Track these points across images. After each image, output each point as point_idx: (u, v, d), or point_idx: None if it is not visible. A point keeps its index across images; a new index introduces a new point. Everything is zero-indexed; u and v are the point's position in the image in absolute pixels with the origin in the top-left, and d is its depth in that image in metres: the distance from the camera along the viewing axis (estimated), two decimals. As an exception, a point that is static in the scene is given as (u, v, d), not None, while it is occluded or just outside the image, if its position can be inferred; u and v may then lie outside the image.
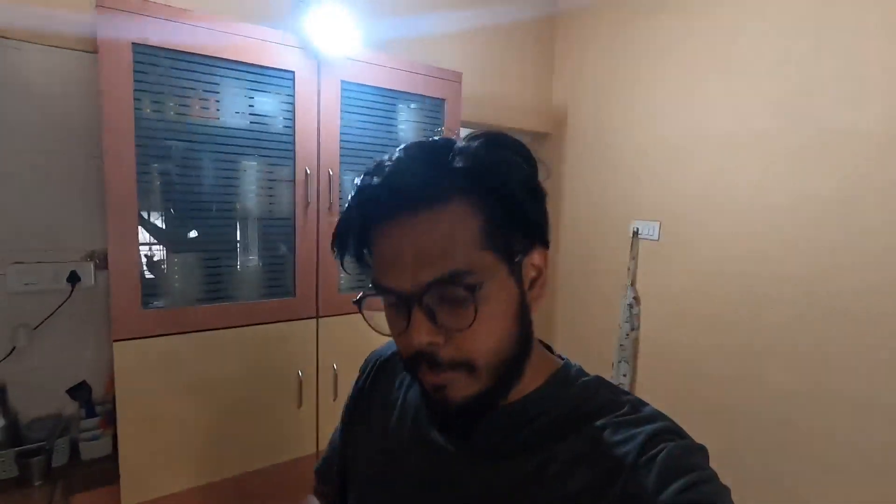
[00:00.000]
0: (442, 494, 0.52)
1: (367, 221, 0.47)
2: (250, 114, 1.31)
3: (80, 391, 1.36)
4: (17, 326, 1.31)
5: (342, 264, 0.50)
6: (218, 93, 1.26)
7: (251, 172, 1.34)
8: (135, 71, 1.12)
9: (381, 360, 0.70)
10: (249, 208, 1.36)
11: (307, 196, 1.36)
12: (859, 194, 1.33)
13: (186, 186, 1.27)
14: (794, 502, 1.47)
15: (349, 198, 0.48)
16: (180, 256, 1.29)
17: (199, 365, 1.24)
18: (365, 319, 0.49)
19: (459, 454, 0.52)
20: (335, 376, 1.43)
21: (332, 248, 0.49)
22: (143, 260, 1.21)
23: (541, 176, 0.49)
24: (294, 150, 1.34)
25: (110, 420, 1.37)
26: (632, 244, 1.93)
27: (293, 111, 1.33)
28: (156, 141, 1.20)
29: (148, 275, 1.25)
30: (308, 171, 1.36)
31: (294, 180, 1.35)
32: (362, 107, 1.48)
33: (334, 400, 1.44)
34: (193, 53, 1.19)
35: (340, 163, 1.42)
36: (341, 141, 1.41)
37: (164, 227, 1.29)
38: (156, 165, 1.22)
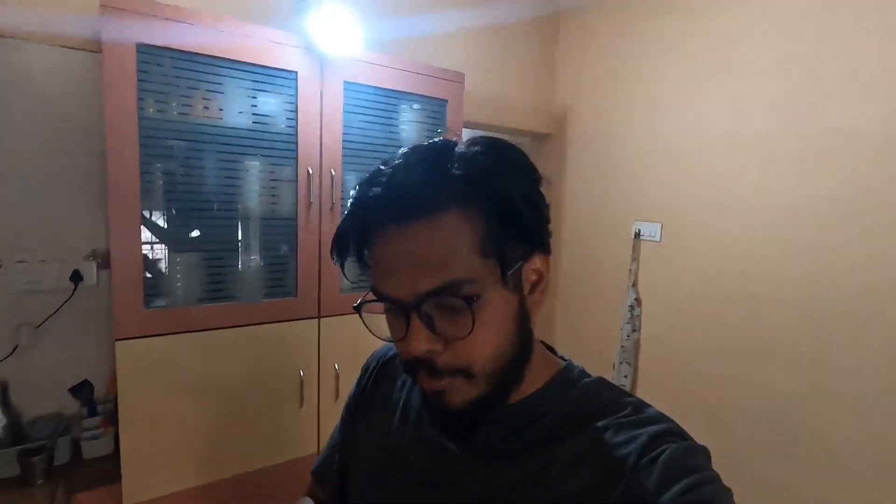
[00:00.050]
0: (443, 494, 0.53)
1: (366, 229, 0.47)
2: (253, 114, 1.32)
3: (81, 390, 1.36)
4: (20, 325, 1.31)
5: (343, 271, 0.50)
6: (221, 93, 1.27)
7: (253, 172, 1.34)
8: (138, 71, 1.12)
9: (384, 360, 0.70)
10: (251, 208, 1.37)
11: (309, 196, 1.36)
12: (860, 195, 1.34)
13: (189, 186, 1.28)
14: (796, 503, 1.48)
15: (348, 204, 0.48)
16: (182, 256, 1.29)
17: (200, 364, 1.24)
18: (365, 325, 0.49)
19: (461, 454, 0.52)
20: (336, 376, 1.43)
21: (332, 255, 0.49)
22: (146, 259, 1.21)
23: (540, 184, 0.49)
24: (296, 150, 1.34)
25: (112, 419, 1.37)
26: (633, 245, 1.93)
27: (296, 111, 1.33)
28: (158, 140, 1.21)
29: (150, 274, 1.25)
30: (310, 171, 1.36)
31: (296, 180, 1.35)
32: (365, 107, 1.48)
33: (336, 400, 1.44)
34: (197, 53, 1.19)
35: (343, 163, 1.42)
36: (344, 141, 1.42)
37: (166, 226, 1.29)
38: (158, 165, 1.22)
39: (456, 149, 0.46)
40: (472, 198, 0.44)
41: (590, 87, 2.15)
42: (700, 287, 1.73)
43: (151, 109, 1.18)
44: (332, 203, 1.40)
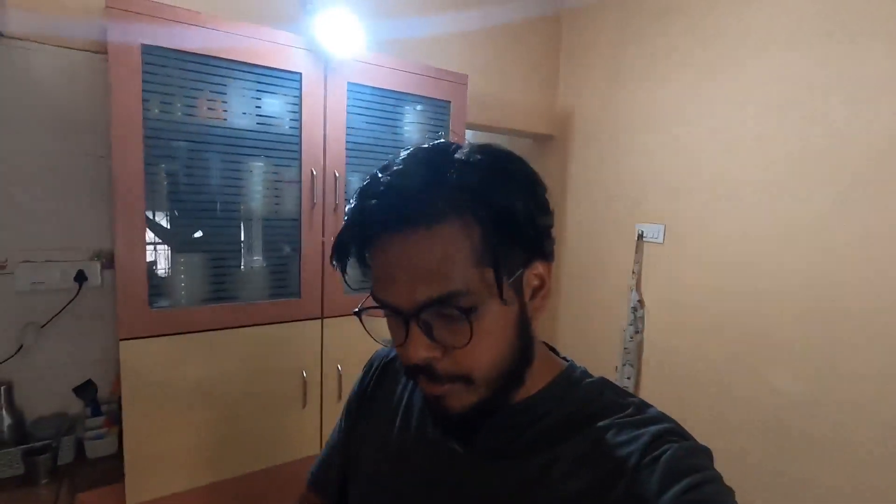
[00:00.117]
0: (446, 494, 0.53)
1: (365, 238, 0.47)
2: (257, 115, 1.32)
3: (85, 390, 1.37)
4: (25, 325, 1.32)
5: (343, 278, 0.50)
6: (225, 94, 1.27)
7: (257, 173, 1.35)
8: (143, 72, 1.12)
9: (386, 360, 0.70)
10: (255, 209, 1.37)
11: (313, 197, 1.36)
12: (865, 197, 1.33)
13: (193, 187, 1.28)
14: (800, 507, 1.47)
15: (346, 210, 0.48)
16: (186, 256, 1.30)
17: (204, 365, 1.25)
18: (366, 330, 0.50)
19: (464, 454, 0.53)
20: (339, 377, 1.44)
21: (332, 262, 0.49)
22: (150, 260, 1.22)
23: (543, 193, 0.49)
24: (300, 151, 1.35)
25: (115, 419, 1.37)
26: (636, 247, 1.93)
27: (300, 112, 1.34)
28: (163, 141, 1.21)
29: (154, 275, 1.26)
30: (314, 172, 1.36)
31: (300, 181, 1.36)
32: (368, 108, 1.48)
33: (339, 401, 1.44)
34: (201, 55, 1.19)
35: (346, 164, 1.42)
36: (347, 142, 1.42)
37: (170, 227, 1.30)
38: (163, 166, 1.23)
39: (456, 155, 0.46)
40: (471, 209, 0.43)
41: (592, 89, 2.15)
42: (703, 289, 1.72)
43: (156, 110, 1.19)
44: (336, 204, 1.40)
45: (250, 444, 1.33)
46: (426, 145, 0.48)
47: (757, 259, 1.57)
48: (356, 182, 1.47)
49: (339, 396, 1.44)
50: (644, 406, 0.50)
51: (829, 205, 1.40)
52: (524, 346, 0.49)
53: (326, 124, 1.37)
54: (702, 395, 1.72)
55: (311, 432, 1.42)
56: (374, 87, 1.46)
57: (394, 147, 1.55)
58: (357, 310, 0.49)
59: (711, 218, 1.69)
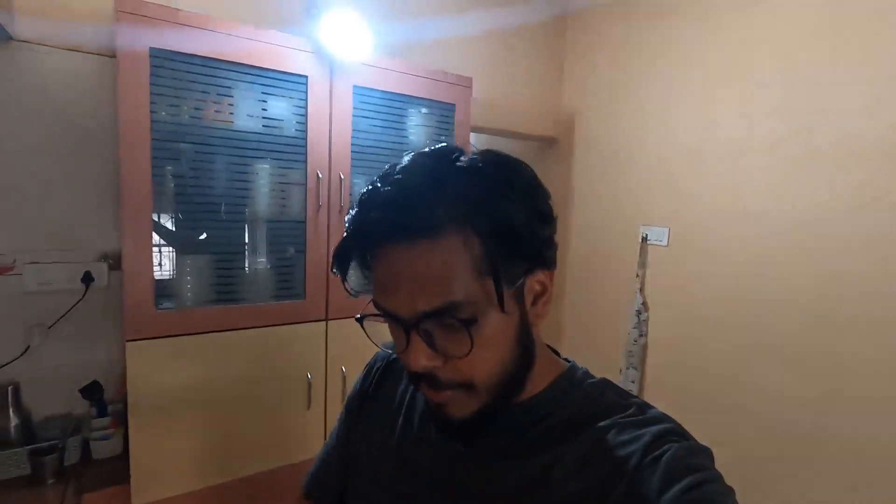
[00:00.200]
0: (448, 494, 0.53)
1: (366, 248, 0.47)
2: (263, 117, 1.33)
3: (92, 390, 1.37)
4: (32, 326, 1.33)
5: (345, 286, 0.50)
6: (232, 96, 1.28)
7: (263, 175, 1.35)
8: (151, 75, 1.13)
9: (388, 360, 0.70)
10: (261, 211, 1.38)
11: (318, 199, 1.37)
12: (870, 201, 1.33)
13: (200, 189, 1.29)
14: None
15: (346, 219, 0.48)
16: (193, 258, 1.30)
17: (209, 366, 1.25)
18: (368, 336, 0.50)
19: (466, 455, 0.53)
20: (344, 379, 1.44)
21: (332, 271, 0.49)
22: (157, 261, 1.23)
23: (546, 202, 0.49)
24: (306, 154, 1.35)
25: (121, 420, 1.38)
26: (640, 250, 1.93)
27: (305, 115, 1.34)
28: (171, 144, 1.22)
29: (161, 276, 1.26)
30: (320, 175, 1.37)
31: (305, 183, 1.36)
32: (373, 111, 1.49)
33: (343, 402, 1.44)
34: (209, 58, 1.20)
35: (351, 166, 1.43)
36: (353, 145, 1.43)
37: (177, 229, 1.30)
38: (170, 168, 1.24)
39: (457, 163, 0.46)
40: (472, 221, 0.43)
41: (597, 92, 2.15)
42: (707, 292, 1.72)
43: (164, 113, 1.19)
44: (341, 206, 1.41)
45: (255, 446, 1.34)
46: (428, 150, 0.48)
47: (762, 262, 1.56)
48: (361, 184, 1.47)
49: (344, 398, 1.44)
50: (645, 406, 0.51)
51: (835, 208, 1.40)
52: (525, 352, 0.49)
53: (332, 127, 1.38)
54: (706, 399, 1.72)
55: (315, 434, 1.43)
56: (379, 90, 1.47)
57: (399, 150, 1.56)
58: (359, 316, 0.49)
59: (716, 221, 1.69)
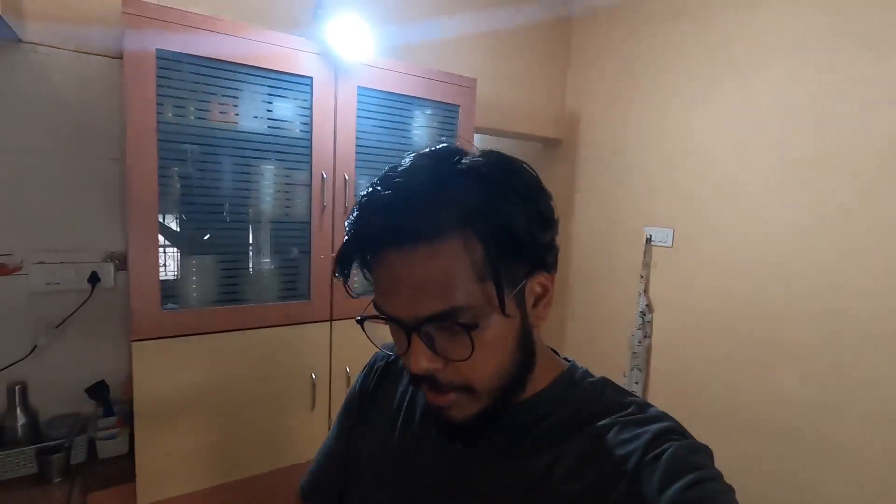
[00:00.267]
0: (449, 494, 0.53)
1: (366, 252, 0.47)
2: (268, 118, 1.34)
3: (98, 390, 1.38)
4: (39, 325, 1.34)
5: (346, 289, 0.50)
6: (237, 98, 1.29)
7: (268, 176, 1.36)
8: (158, 77, 1.14)
9: (387, 360, 0.70)
10: (266, 211, 1.38)
11: (323, 200, 1.37)
12: (875, 201, 1.32)
13: (205, 190, 1.29)
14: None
15: (347, 223, 0.47)
16: (198, 259, 1.31)
17: (214, 366, 1.26)
18: (368, 338, 0.50)
19: (467, 454, 0.53)
20: (348, 379, 1.44)
21: (334, 275, 0.49)
22: (162, 262, 1.23)
23: (548, 204, 0.48)
24: (310, 155, 1.36)
25: (127, 419, 1.39)
26: (645, 251, 1.92)
27: (310, 116, 1.35)
28: (176, 145, 1.23)
29: (166, 277, 1.27)
30: (324, 176, 1.37)
31: (310, 184, 1.37)
32: (378, 112, 1.50)
33: (347, 403, 1.45)
34: (215, 59, 1.21)
35: (356, 167, 1.43)
36: (357, 145, 1.43)
37: (183, 229, 1.31)
38: (176, 169, 1.24)
39: (458, 165, 0.46)
40: (473, 225, 0.43)
41: (601, 93, 2.15)
42: (712, 293, 1.72)
43: (170, 114, 1.20)
44: (346, 207, 1.41)
45: (260, 446, 1.34)
46: (428, 151, 0.48)
47: (766, 263, 1.56)
48: (365, 185, 1.47)
49: (348, 399, 1.45)
50: (645, 405, 0.51)
51: (839, 209, 1.39)
52: (526, 354, 0.49)
53: (336, 128, 1.39)
54: (711, 400, 1.71)
55: (320, 434, 1.43)
56: (383, 91, 1.48)
57: (403, 150, 1.55)
58: (359, 318, 0.49)
59: (720, 221, 1.69)
